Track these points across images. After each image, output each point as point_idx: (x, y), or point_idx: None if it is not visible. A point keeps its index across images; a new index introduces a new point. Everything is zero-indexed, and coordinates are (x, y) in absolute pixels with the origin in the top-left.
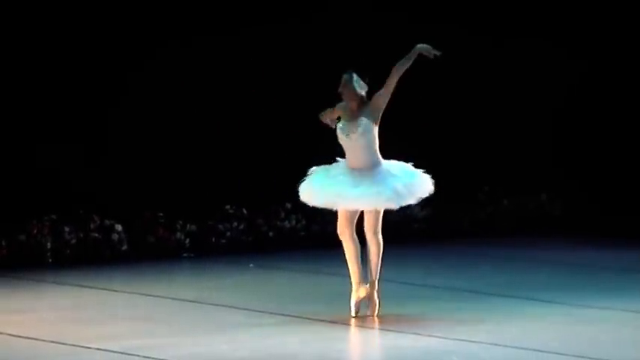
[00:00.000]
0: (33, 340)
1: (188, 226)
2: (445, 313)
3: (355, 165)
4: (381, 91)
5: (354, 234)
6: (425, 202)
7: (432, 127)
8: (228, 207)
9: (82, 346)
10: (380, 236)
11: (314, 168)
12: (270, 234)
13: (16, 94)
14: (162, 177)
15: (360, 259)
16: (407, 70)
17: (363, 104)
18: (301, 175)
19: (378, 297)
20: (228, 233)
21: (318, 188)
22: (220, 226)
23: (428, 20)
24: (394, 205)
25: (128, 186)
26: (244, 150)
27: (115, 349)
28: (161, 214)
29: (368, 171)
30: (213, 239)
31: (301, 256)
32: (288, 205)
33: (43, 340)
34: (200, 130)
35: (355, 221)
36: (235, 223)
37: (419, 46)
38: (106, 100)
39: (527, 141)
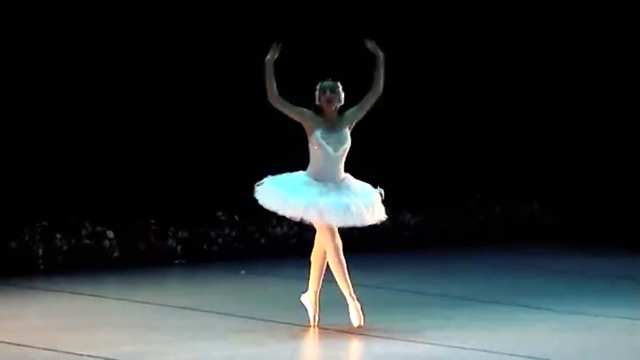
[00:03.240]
0: (24, 347)
1: (180, 232)
2: (437, 321)
3: (325, 178)
4: (359, 111)
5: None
6: (417, 210)
7: (424, 134)
8: (219, 214)
9: (74, 353)
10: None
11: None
12: (262, 241)
13: (6, 101)
14: (154, 184)
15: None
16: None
17: (336, 116)
18: None
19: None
20: (220, 240)
21: (288, 196)
22: (212, 233)
23: (424, 27)
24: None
25: (120, 193)
26: (236, 156)
27: (106, 356)
28: (153, 221)
29: (334, 183)
30: (205, 246)
31: (293, 263)
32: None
33: (35, 347)
34: (191, 137)
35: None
36: (227, 230)
37: (377, 53)
38: (98, 107)
39: (519, 149)
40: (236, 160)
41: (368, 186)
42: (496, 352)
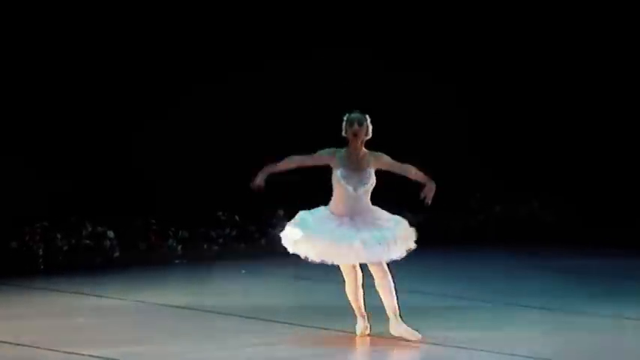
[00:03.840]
0: (25, 347)
1: (180, 232)
2: (436, 320)
3: (345, 213)
4: (394, 164)
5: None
6: (417, 209)
7: (424, 132)
8: (220, 213)
9: (75, 353)
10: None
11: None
12: (262, 241)
13: (12, 102)
14: (155, 183)
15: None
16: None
17: (364, 151)
18: (293, 181)
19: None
20: (220, 240)
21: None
22: (212, 233)
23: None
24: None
25: (120, 192)
26: (236, 156)
27: (106, 356)
28: (153, 221)
29: (359, 217)
30: (205, 246)
31: (293, 263)
32: (280, 212)
33: (35, 347)
34: (192, 137)
35: None
36: (227, 230)
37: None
38: (98, 108)
39: (519, 148)
40: (236, 160)
41: (395, 220)
42: (496, 352)
